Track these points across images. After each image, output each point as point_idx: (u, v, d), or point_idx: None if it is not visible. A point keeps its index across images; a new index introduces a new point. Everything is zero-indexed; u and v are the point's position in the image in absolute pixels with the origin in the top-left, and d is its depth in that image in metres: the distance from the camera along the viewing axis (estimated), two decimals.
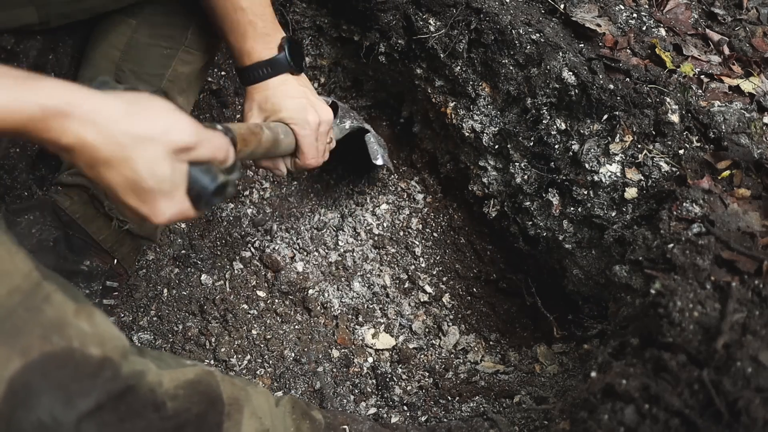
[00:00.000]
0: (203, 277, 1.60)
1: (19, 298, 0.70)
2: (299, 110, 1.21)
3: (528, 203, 1.52)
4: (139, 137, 0.71)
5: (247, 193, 1.80)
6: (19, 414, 0.67)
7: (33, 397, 0.68)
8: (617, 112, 1.31)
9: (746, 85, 1.35)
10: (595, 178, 1.34)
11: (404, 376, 1.49)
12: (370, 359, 1.52)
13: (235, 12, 1.19)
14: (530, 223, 1.53)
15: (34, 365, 0.68)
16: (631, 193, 1.31)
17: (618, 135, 1.31)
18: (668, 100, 1.29)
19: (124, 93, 0.73)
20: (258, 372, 1.46)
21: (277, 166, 1.28)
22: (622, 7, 1.50)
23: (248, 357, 1.48)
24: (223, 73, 1.84)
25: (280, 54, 1.22)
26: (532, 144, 1.46)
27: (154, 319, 1.52)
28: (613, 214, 1.35)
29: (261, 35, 1.22)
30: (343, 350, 1.53)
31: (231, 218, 1.74)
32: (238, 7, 1.19)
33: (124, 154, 0.71)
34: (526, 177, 1.50)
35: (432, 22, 1.51)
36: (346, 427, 1.11)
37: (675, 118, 1.28)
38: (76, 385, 0.71)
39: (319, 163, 1.28)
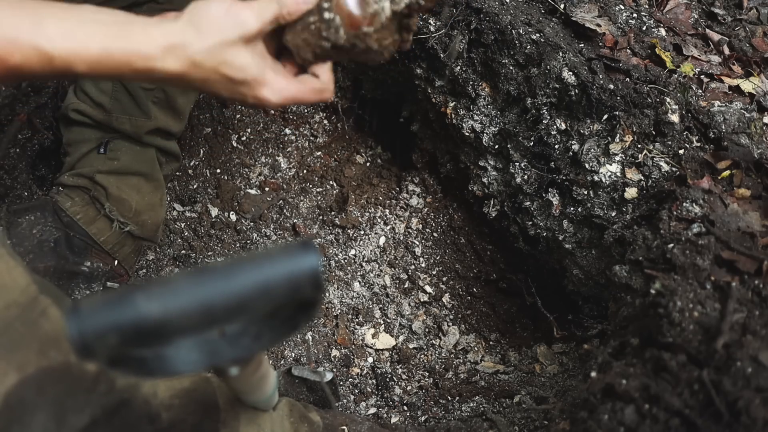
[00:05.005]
0: None
1: (16, 313, 0.71)
2: None
3: (528, 203, 1.51)
4: (212, 49, 0.74)
5: (243, 194, 1.80)
6: (14, 430, 0.67)
7: (28, 413, 0.68)
8: (617, 112, 1.31)
9: (746, 85, 1.35)
10: (595, 178, 1.34)
11: (404, 376, 1.49)
12: (370, 359, 1.52)
13: None
14: (530, 223, 1.53)
15: (31, 380, 0.68)
16: (631, 193, 1.31)
17: (618, 135, 1.31)
18: (668, 100, 1.29)
19: (185, 15, 0.74)
20: None
21: None
22: (622, 7, 1.50)
23: None
24: None
25: None
26: (532, 144, 1.46)
27: None
28: (613, 214, 1.35)
29: None
30: (343, 350, 1.53)
31: (230, 219, 1.74)
32: None
33: (209, 69, 0.74)
34: (526, 177, 1.50)
35: (432, 22, 1.51)
36: (345, 427, 1.11)
37: (675, 118, 1.28)
38: (71, 401, 0.71)
39: None
